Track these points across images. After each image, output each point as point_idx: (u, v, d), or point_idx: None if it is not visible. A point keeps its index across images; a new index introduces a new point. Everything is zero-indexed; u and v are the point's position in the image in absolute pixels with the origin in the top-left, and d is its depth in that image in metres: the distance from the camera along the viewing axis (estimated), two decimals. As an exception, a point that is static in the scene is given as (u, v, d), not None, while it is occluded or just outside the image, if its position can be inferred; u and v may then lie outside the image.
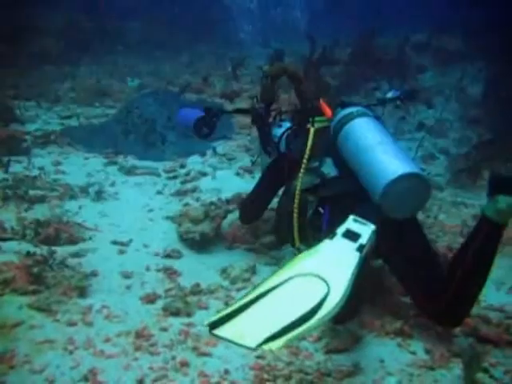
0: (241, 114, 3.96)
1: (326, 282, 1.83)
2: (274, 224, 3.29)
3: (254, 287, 1.59)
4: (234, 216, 3.78)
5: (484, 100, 10.11)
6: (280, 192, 3.34)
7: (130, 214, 4.06)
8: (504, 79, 11.97)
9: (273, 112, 3.62)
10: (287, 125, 3.40)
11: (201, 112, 3.60)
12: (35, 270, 2.86)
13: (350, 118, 2.78)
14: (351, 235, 2.16)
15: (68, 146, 5.59)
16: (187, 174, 4.90)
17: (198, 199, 4.40)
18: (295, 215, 2.81)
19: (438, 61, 12.99)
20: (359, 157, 2.62)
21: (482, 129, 8.43)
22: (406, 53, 12.86)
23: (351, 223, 2.21)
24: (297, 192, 2.77)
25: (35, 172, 4.65)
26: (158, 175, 4.91)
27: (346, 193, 2.74)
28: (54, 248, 3.20)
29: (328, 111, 3.08)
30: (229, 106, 6.72)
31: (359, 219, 2.23)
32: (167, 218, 4.03)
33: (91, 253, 3.39)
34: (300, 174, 2.80)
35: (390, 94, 3.35)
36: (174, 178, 4.87)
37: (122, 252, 3.43)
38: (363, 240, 2.08)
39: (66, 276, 2.95)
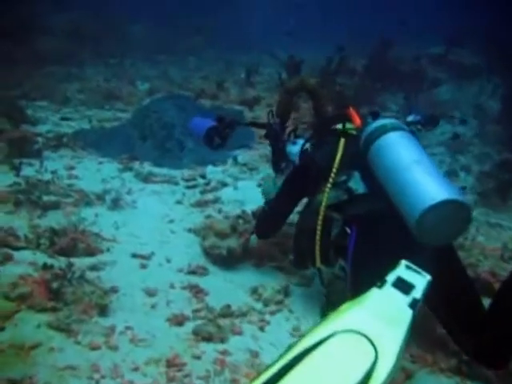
0: (255, 127, 3.80)
1: (373, 344, 1.57)
2: (293, 241, 3.03)
3: (289, 347, 1.35)
4: (262, 231, 3.55)
5: (502, 116, 9.97)
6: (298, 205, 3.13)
7: (150, 225, 3.85)
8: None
9: (288, 128, 3.51)
10: (302, 142, 3.27)
11: (213, 121, 3.43)
12: (54, 284, 2.63)
13: (384, 130, 2.57)
14: (403, 286, 1.90)
15: (81, 150, 5.39)
16: (207, 184, 4.69)
17: (220, 211, 4.19)
18: (318, 233, 2.59)
19: (453, 75, 12.87)
20: (393, 175, 2.40)
21: (501, 145, 8.31)
22: (422, 65, 12.73)
23: (403, 271, 1.95)
24: (321, 208, 2.58)
25: (48, 176, 4.42)
26: (177, 184, 4.70)
27: (377, 213, 2.54)
28: (71, 260, 2.98)
29: (357, 120, 2.88)
30: (248, 114, 6.52)
31: (412, 266, 1.99)
32: (189, 230, 3.81)
33: (110, 266, 3.18)
34: (326, 189, 2.60)
35: (410, 118, 3.15)
36: (194, 187, 4.66)
37: (143, 266, 3.21)
38: (417, 293, 1.82)
39: (86, 292, 2.73)
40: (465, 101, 11.82)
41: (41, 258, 3.13)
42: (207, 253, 3.39)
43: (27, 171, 4.49)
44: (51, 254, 3.22)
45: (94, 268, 3.11)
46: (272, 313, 2.83)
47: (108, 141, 5.52)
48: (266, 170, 5.10)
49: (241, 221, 3.52)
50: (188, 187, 4.67)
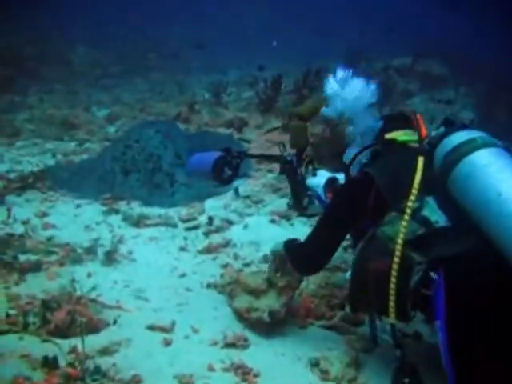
0: (268, 161, 3.30)
1: None
2: (351, 289, 2.43)
3: None
4: (303, 284, 2.98)
5: (477, 126, 9.84)
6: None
7: (158, 282, 3.22)
8: (491, 103, 11.86)
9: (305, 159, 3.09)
10: (324, 173, 2.94)
11: (217, 152, 3.03)
12: (68, 392, 1.95)
13: (473, 147, 2.09)
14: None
15: (50, 191, 4.65)
16: (210, 224, 4.08)
17: (236, 257, 3.60)
18: (393, 280, 2.06)
19: (424, 85, 12.81)
20: (493, 208, 1.93)
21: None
22: (390, 76, 12.60)
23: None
24: (397, 246, 2.06)
25: (19, 228, 3.70)
26: (175, 225, 4.07)
27: (471, 253, 2.04)
28: (72, 341, 2.31)
29: (424, 129, 2.39)
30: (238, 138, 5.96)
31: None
32: (208, 286, 3.19)
33: (125, 346, 2.52)
34: (403, 221, 2.09)
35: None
36: (195, 228, 4.05)
37: (167, 342, 2.57)
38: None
39: (108, 395, 2.05)
40: (439, 111, 11.66)
41: (33, 344, 2.44)
42: (241, 316, 2.77)
43: (-8, 223, 3.75)
44: (45, 336, 2.52)
45: (105, 352, 2.45)
46: (351, 397, 2.24)
47: (81, 178, 4.83)
48: (274, 202, 4.53)
49: (278, 274, 2.91)
50: (188, 229, 4.05)
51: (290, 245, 2.80)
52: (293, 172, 3.07)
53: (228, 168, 2.98)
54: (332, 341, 2.70)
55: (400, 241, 2.06)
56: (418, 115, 2.47)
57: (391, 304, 2.07)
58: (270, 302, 2.76)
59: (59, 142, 6.87)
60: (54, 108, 8.84)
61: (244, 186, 4.76)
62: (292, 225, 4.13)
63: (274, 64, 11.95)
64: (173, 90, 11.65)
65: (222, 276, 3.28)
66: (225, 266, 3.46)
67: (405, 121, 2.58)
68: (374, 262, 2.20)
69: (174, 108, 9.22)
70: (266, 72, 10.01)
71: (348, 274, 2.45)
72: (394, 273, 2.05)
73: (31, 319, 2.62)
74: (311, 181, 2.96)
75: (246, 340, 2.63)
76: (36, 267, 3.19)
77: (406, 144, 2.41)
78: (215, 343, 2.61)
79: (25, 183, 4.60)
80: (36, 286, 3.02)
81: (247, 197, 4.56)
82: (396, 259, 2.05)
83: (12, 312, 2.68)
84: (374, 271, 2.18)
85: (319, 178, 2.92)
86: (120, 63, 13.58)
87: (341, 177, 2.81)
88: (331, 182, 2.88)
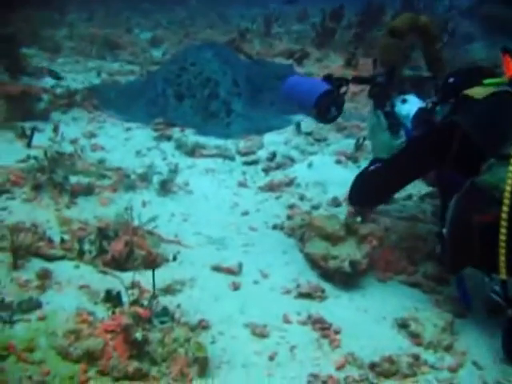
0: (359, 83, 3.08)
1: None
2: (451, 244, 2.16)
3: None
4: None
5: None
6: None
7: (219, 218, 2.96)
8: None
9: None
10: (414, 100, 2.74)
11: (323, 83, 2.68)
12: (137, 335, 1.72)
13: None
14: None
15: (97, 111, 4.38)
16: (271, 159, 3.76)
17: (301, 197, 3.30)
18: (503, 231, 1.86)
19: (485, 29, 12.04)
20: None
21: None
22: (453, 17, 11.81)
23: None
24: (506, 193, 1.89)
25: (68, 147, 3.45)
26: (232, 158, 3.78)
27: None
28: (137, 280, 2.09)
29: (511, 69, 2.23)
30: (299, 70, 5.53)
31: None
32: (274, 226, 2.91)
33: (189, 286, 2.28)
34: (510, 166, 1.92)
35: None
36: (254, 163, 3.75)
37: (235, 286, 2.33)
38: None
39: (177, 339, 1.82)
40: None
41: (90, 274, 2.23)
42: (316, 264, 2.50)
43: (38, 139, 3.51)
44: (102, 267, 2.29)
45: (168, 291, 2.21)
46: (452, 369, 1.97)
47: (130, 100, 4.52)
48: (339, 141, 4.18)
49: (358, 218, 2.62)
50: (247, 163, 3.76)
51: (363, 171, 2.76)
52: (382, 96, 2.80)
53: (335, 107, 2.63)
54: (418, 300, 2.42)
55: (509, 188, 1.88)
56: (506, 55, 2.26)
57: (502, 258, 1.88)
58: (349, 251, 2.47)
59: (102, 61, 6.58)
60: (93, 27, 8.50)
61: (306, 121, 4.39)
62: (359, 167, 3.77)
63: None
64: (214, 19, 11.21)
65: (289, 217, 2.99)
66: (290, 206, 3.16)
67: (481, 75, 2.36)
68: (480, 213, 2.00)
69: (220, 36, 8.77)
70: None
71: (444, 229, 2.18)
72: (503, 223, 1.87)
73: (87, 247, 2.39)
74: (400, 108, 2.74)
75: (323, 291, 2.36)
76: (88, 190, 2.96)
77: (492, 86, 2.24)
78: (288, 291, 2.36)
79: (71, 100, 4.32)
80: (88, 211, 2.80)
81: (309, 133, 4.20)
82: (505, 208, 1.87)
83: (66, 237, 2.45)
84: (480, 223, 1.99)
85: (409, 106, 2.71)
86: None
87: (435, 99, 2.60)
88: (421, 114, 2.65)
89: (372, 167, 2.72)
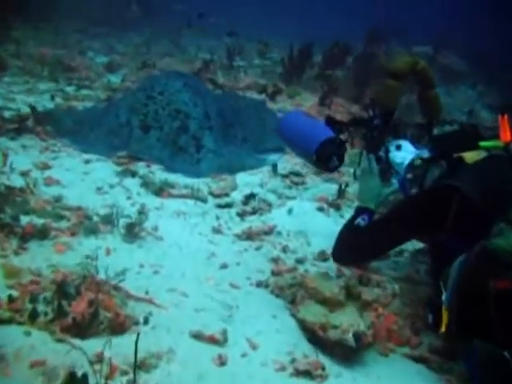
0: (356, 126, 2.87)
1: None
2: (459, 312, 1.95)
3: None
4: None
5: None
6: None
7: (194, 271, 2.62)
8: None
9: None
10: (409, 148, 2.66)
11: (325, 128, 2.57)
12: None
13: None
14: None
15: (50, 138, 3.96)
16: (245, 203, 3.45)
17: (285, 250, 2.99)
18: None
19: (442, 78, 12.35)
20: None
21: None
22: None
23: None
24: None
25: (18, 180, 3.03)
26: (204, 200, 3.45)
27: None
28: (101, 351, 1.71)
29: (507, 133, 2.22)
30: (272, 107, 5.28)
31: None
32: (259, 284, 2.59)
33: (167, 361, 1.92)
34: None
35: None
36: (228, 206, 3.43)
37: (221, 361, 1.97)
38: None
39: None
40: (456, 107, 11.18)
41: (45, 344, 1.84)
42: (312, 333, 2.18)
43: (-17, 169, 3.07)
44: (60, 334, 1.90)
45: (142, 366, 1.84)
46: None
47: (88, 128, 4.14)
48: (318, 186, 3.93)
49: (353, 280, 2.34)
50: (220, 206, 3.43)
51: (347, 225, 2.63)
52: (377, 140, 2.72)
53: (336, 157, 2.48)
54: (427, 380, 2.14)
55: None
56: (503, 117, 2.25)
57: None
58: (351, 319, 2.18)
59: (54, 83, 6.13)
60: (42, 46, 8.06)
61: (282, 162, 4.13)
62: (342, 216, 3.54)
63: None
64: (170, 47, 11.03)
65: (274, 273, 2.68)
66: (274, 259, 2.86)
67: (471, 136, 2.38)
68: (496, 278, 1.84)
69: (180, 65, 8.54)
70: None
71: (443, 295, 1.99)
72: None
73: (41, 307, 1.98)
74: (394, 155, 2.66)
75: (323, 368, 2.04)
76: (42, 234, 2.55)
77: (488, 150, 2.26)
78: (282, 368, 2.03)
79: (22, 125, 3.88)
80: (41, 259, 2.41)
81: (286, 176, 3.93)
82: None
83: (13, 293, 2.04)
84: (496, 289, 1.82)
85: (403, 154, 2.63)
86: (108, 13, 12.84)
87: (425, 153, 2.52)
88: (416, 163, 2.55)
89: (360, 221, 2.59)
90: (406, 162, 2.61)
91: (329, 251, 2.93)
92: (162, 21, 13.52)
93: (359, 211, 2.70)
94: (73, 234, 2.64)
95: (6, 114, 4.04)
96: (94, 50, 9.19)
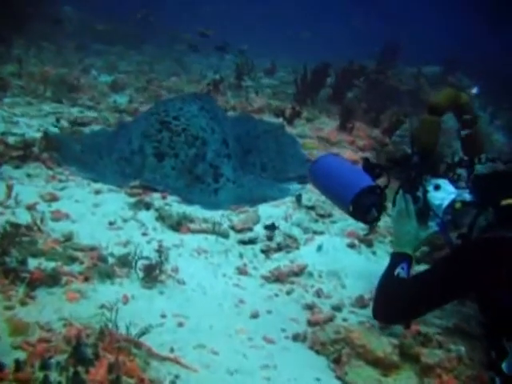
0: (393, 166, 2.70)
1: None
2: None
3: None
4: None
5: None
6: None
7: (223, 323, 2.35)
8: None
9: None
10: (449, 188, 2.46)
11: (364, 176, 2.46)
12: None
13: None
14: None
15: (57, 166, 3.70)
16: (270, 238, 3.18)
17: (318, 294, 2.73)
18: None
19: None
20: None
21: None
22: (422, 85, 11.88)
23: None
24: None
25: (23, 215, 2.76)
26: (226, 236, 3.18)
27: None
28: None
29: None
30: (291, 131, 5.03)
31: None
32: (295, 337, 2.31)
33: None
34: None
35: None
36: (251, 242, 3.17)
37: None
38: None
39: None
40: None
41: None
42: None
43: (-17, 202, 2.81)
44: (77, 410, 1.62)
45: None
46: None
47: (98, 155, 3.88)
48: (347, 218, 3.66)
49: (408, 337, 2.06)
50: (243, 242, 3.17)
51: (387, 277, 2.35)
52: (414, 179, 2.52)
53: (375, 208, 2.36)
54: None
55: None
56: None
57: None
58: (409, 385, 1.89)
59: (58, 104, 5.89)
60: (44, 65, 7.87)
61: (305, 191, 3.87)
62: (374, 253, 3.28)
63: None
64: (173, 65, 10.88)
65: (310, 323, 2.40)
66: (308, 306, 2.58)
67: None
68: None
69: (186, 85, 8.36)
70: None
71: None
72: None
73: (53, 374, 1.71)
74: (433, 195, 2.46)
75: None
76: (51, 279, 2.28)
77: None
78: None
79: (27, 152, 3.63)
80: (51, 310, 2.15)
81: (312, 207, 3.67)
82: None
83: (21, 356, 1.77)
84: None
85: (443, 194, 2.44)
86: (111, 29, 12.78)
87: (468, 196, 2.37)
88: (457, 206, 2.38)
89: (400, 271, 2.34)
90: (445, 203, 2.43)
91: (366, 296, 2.70)
92: (163, 39, 13.41)
93: (396, 258, 2.46)
94: (86, 279, 2.37)
95: (10, 139, 3.77)
96: (97, 68, 8.98)
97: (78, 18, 12.89)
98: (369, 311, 2.58)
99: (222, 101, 6.63)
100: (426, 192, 2.50)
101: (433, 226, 2.51)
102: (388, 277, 2.34)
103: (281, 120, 5.18)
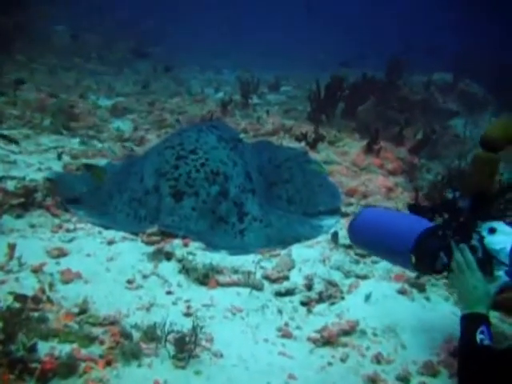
0: (442, 213, 2.37)
1: None
2: None
3: None
4: None
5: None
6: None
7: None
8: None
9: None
10: (506, 228, 2.20)
11: (420, 219, 2.20)
12: None
13: None
14: None
15: (62, 213, 3.34)
16: (309, 288, 2.81)
17: (378, 359, 2.35)
18: None
19: (465, 106, 11.93)
20: None
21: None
22: (433, 94, 11.57)
23: None
24: None
25: (28, 280, 2.39)
26: (260, 288, 2.80)
27: None
28: None
29: None
30: (315, 157, 4.66)
31: None
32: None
33: None
34: None
35: None
36: (289, 293, 2.79)
37: None
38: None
39: None
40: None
41: None
42: None
43: (-17, 266, 2.44)
44: None
45: None
46: None
47: (106, 195, 3.51)
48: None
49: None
50: (279, 294, 2.79)
51: (468, 347, 1.99)
52: (466, 226, 2.23)
53: (444, 252, 2.08)
54: None
55: None
56: None
57: None
58: None
59: (58, 136, 5.55)
60: (39, 90, 7.52)
61: (340, 228, 3.50)
62: (428, 299, 2.91)
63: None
64: (169, 83, 10.57)
65: (379, 404, 2.02)
66: (370, 378, 2.20)
67: None
68: None
69: (191, 105, 8.02)
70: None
71: None
72: None
73: None
74: (490, 240, 2.18)
75: None
76: (67, 368, 1.90)
77: None
78: None
79: (29, 199, 3.26)
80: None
81: (350, 246, 3.30)
82: None
83: None
84: None
85: (501, 237, 2.17)
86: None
87: None
88: None
89: (482, 337, 1.97)
90: (509, 246, 2.12)
91: (434, 359, 2.31)
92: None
93: (470, 321, 2.08)
94: (108, 363, 1.99)
95: (10, 184, 3.41)
96: (94, 91, 8.63)
97: (70, 37, 12.57)
98: (441, 380, 2.21)
99: (231, 122, 6.28)
100: (482, 238, 2.18)
101: (501, 275, 2.17)
102: (470, 346, 1.96)
103: (302, 145, 4.81)
